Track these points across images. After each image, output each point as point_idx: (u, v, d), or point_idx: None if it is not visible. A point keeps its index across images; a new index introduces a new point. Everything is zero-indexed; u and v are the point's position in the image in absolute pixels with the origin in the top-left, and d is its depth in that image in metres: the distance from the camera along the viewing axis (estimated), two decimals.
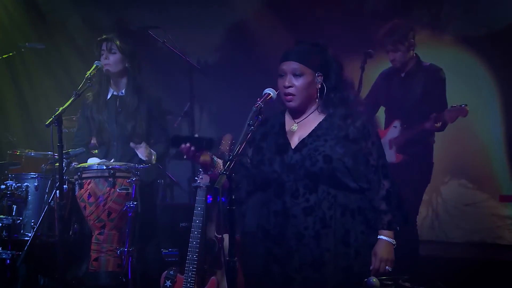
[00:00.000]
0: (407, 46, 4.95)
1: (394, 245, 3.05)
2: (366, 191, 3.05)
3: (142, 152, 4.35)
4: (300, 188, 3.01)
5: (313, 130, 3.08)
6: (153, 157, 4.38)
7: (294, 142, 3.09)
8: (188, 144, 2.95)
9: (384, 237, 3.04)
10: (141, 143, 4.38)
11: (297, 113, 3.12)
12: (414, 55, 5.02)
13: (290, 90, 3.05)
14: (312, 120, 3.11)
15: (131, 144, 4.34)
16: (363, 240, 3.02)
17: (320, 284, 2.99)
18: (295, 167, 3.03)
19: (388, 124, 5.14)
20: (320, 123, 3.09)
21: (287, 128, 3.13)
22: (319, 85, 3.07)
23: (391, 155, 5.06)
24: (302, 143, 3.06)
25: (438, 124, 4.80)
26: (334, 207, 3.00)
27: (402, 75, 5.02)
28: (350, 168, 3.01)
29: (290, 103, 3.07)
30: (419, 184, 5.01)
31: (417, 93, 4.95)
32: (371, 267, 3.03)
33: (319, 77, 3.07)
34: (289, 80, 3.05)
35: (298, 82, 3.04)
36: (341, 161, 3.00)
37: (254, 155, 3.14)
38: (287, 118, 3.16)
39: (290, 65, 3.05)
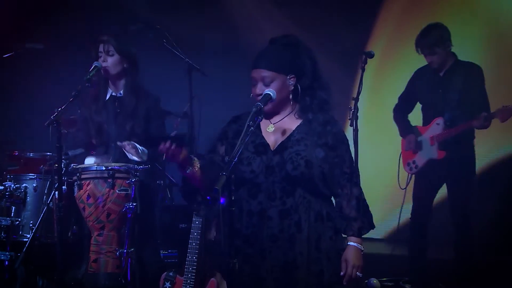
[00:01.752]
0: (443, 47, 5.00)
1: (362, 251, 3.08)
2: (337, 197, 3.08)
3: (129, 151, 4.27)
4: (277, 190, 3.01)
5: (291, 134, 3.07)
6: (144, 155, 4.32)
7: (272, 143, 3.08)
8: (167, 144, 2.92)
9: (354, 243, 3.07)
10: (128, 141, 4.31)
11: (271, 115, 3.11)
12: (452, 54, 5.07)
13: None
14: (289, 123, 3.10)
15: (118, 143, 4.29)
16: (331, 245, 3.06)
17: (290, 286, 3.00)
18: (275, 169, 3.02)
19: (428, 121, 5.19)
20: (298, 126, 3.09)
21: (262, 128, 3.10)
22: (292, 87, 3.05)
23: (433, 152, 5.13)
24: (282, 145, 3.05)
25: (487, 123, 4.85)
26: (308, 211, 3.02)
27: (441, 74, 5.09)
28: (326, 175, 3.03)
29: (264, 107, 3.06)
30: (465, 179, 5.08)
31: (457, 91, 5.01)
32: (342, 273, 3.04)
33: (292, 79, 3.05)
34: (260, 87, 3.04)
35: (268, 89, 3.03)
36: (320, 167, 3.02)
37: (228, 153, 3.13)
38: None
39: (260, 73, 3.04)
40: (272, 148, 3.07)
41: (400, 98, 5.38)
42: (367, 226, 3.08)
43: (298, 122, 3.10)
